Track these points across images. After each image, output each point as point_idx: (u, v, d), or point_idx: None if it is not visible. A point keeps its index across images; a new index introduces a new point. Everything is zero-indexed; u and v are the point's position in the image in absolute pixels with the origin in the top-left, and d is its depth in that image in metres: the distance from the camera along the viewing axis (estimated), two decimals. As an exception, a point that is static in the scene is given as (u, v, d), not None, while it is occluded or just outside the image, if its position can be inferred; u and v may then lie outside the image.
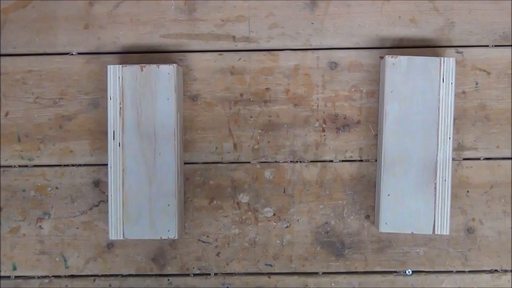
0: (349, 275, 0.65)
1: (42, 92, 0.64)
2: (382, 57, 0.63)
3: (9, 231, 0.65)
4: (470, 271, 0.64)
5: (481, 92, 0.63)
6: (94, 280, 0.65)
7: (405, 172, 0.59)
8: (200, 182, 0.64)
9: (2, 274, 0.65)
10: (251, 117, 0.64)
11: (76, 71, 0.64)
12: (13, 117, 0.64)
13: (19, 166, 0.65)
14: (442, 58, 0.59)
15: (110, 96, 0.59)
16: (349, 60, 0.64)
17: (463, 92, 0.63)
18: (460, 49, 0.63)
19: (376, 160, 0.64)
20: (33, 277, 0.65)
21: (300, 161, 0.64)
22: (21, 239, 0.65)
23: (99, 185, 0.65)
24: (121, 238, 0.59)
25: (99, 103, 0.64)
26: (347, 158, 0.64)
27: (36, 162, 0.65)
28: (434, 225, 0.59)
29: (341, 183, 0.64)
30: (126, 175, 0.59)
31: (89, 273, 0.65)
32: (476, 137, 0.64)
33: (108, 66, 0.59)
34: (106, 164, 0.61)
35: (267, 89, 0.64)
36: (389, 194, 0.59)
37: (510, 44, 0.63)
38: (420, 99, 0.59)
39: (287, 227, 0.65)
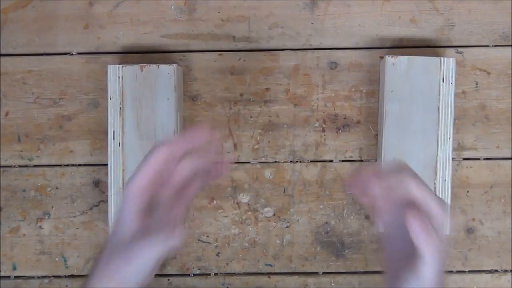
0: (349, 275, 0.65)
1: (42, 92, 0.64)
2: (382, 57, 0.63)
3: (9, 231, 0.65)
4: (470, 271, 0.65)
5: (481, 92, 0.64)
6: (94, 280, 0.65)
7: (405, 172, 0.59)
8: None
9: (2, 274, 0.65)
10: (251, 117, 0.64)
11: (76, 71, 0.64)
12: (13, 117, 0.64)
13: (19, 166, 0.65)
14: (442, 58, 0.59)
15: (110, 96, 0.59)
16: (349, 60, 0.64)
17: (463, 92, 0.63)
18: (460, 49, 0.63)
19: (376, 160, 0.64)
20: (33, 277, 0.65)
21: (300, 161, 0.64)
22: (21, 239, 0.65)
23: (99, 185, 0.65)
24: (121, 238, 0.59)
25: (99, 103, 0.64)
26: (347, 158, 0.64)
27: (36, 162, 0.65)
28: (434, 225, 0.59)
29: (341, 183, 0.64)
30: (126, 175, 0.59)
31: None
32: (476, 137, 0.64)
33: (108, 66, 0.59)
34: (106, 164, 0.61)
35: (267, 89, 0.64)
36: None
37: (510, 44, 0.63)
38: (420, 99, 0.59)
39: (287, 227, 0.65)
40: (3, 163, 0.65)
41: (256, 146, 0.64)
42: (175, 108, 0.59)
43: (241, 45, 0.64)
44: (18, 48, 0.64)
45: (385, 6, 0.64)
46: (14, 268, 0.65)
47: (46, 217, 0.65)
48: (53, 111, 0.64)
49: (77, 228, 0.65)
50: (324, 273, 0.65)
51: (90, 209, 0.65)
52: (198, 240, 0.65)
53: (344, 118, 0.64)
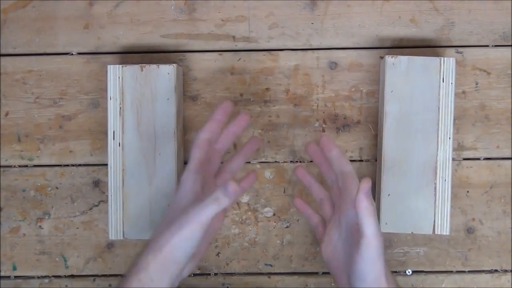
0: (349, 275, 0.65)
1: (42, 92, 0.64)
2: (382, 57, 0.63)
3: (9, 231, 0.65)
4: (470, 271, 0.65)
5: (481, 92, 0.63)
6: (94, 280, 0.65)
7: (405, 172, 0.59)
8: (200, 182, 0.64)
9: (2, 274, 0.65)
10: (251, 117, 0.64)
11: (76, 71, 0.64)
12: (13, 117, 0.64)
13: (19, 166, 0.65)
14: (442, 58, 0.59)
15: (110, 96, 0.59)
16: (349, 60, 0.64)
17: (463, 92, 0.63)
18: (460, 49, 0.63)
19: (376, 160, 0.64)
20: (33, 277, 0.65)
21: (300, 161, 0.64)
22: (21, 239, 0.65)
23: (99, 185, 0.65)
24: (121, 238, 0.59)
25: (99, 103, 0.64)
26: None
27: (36, 162, 0.65)
28: (434, 225, 0.59)
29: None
30: (126, 175, 0.59)
31: (89, 273, 0.65)
32: (476, 137, 0.64)
33: (108, 66, 0.59)
34: (106, 164, 0.61)
35: (267, 89, 0.64)
36: (389, 194, 0.59)
37: (510, 44, 0.63)
38: (420, 99, 0.59)
39: (287, 227, 0.65)
40: (3, 163, 0.65)
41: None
42: (175, 108, 0.59)
43: (241, 45, 0.64)
44: (18, 48, 0.64)
45: (385, 6, 0.64)
46: (14, 268, 0.65)
47: (46, 217, 0.65)
48: (53, 111, 0.64)
49: (77, 228, 0.65)
50: (324, 273, 0.65)
51: (90, 209, 0.65)
52: (198, 240, 0.65)
53: (344, 118, 0.64)
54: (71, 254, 0.65)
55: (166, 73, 0.59)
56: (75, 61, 0.64)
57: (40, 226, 0.65)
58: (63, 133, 0.64)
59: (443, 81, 0.59)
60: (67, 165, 0.65)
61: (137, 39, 0.64)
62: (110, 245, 0.65)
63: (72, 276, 0.65)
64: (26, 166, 0.65)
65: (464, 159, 0.64)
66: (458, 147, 0.64)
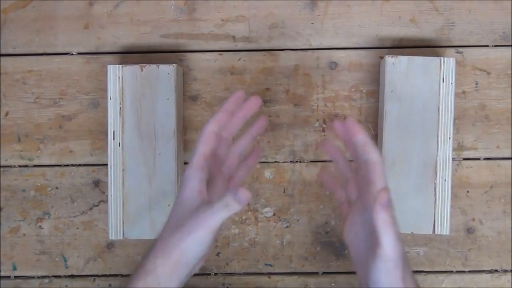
0: (349, 275, 0.65)
1: (42, 92, 0.64)
2: (382, 57, 0.63)
3: (9, 231, 0.65)
4: (470, 271, 0.65)
5: (481, 92, 0.64)
6: (94, 280, 0.65)
7: (405, 172, 0.59)
8: (200, 182, 0.64)
9: (2, 274, 0.65)
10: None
11: (76, 71, 0.64)
12: (13, 117, 0.64)
13: (19, 166, 0.65)
14: (442, 58, 0.59)
15: (110, 96, 0.59)
16: (349, 60, 0.64)
17: (463, 92, 0.63)
18: (460, 49, 0.63)
19: (376, 160, 0.64)
20: (33, 277, 0.65)
21: (300, 161, 0.64)
22: (21, 239, 0.65)
23: (99, 185, 0.65)
24: (121, 238, 0.59)
25: (99, 103, 0.64)
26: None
27: (36, 162, 0.65)
28: (434, 225, 0.59)
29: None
30: (126, 175, 0.59)
31: (89, 273, 0.65)
32: (476, 137, 0.64)
33: (108, 66, 0.59)
34: (106, 164, 0.61)
35: (267, 89, 0.64)
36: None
37: (510, 44, 0.63)
38: (420, 99, 0.59)
39: (287, 227, 0.65)
40: (3, 163, 0.65)
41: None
42: (175, 108, 0.59)
43: (241, 45, 0.64)
44: (18, 48, 0.64)
45: (385, 6, 0.64)
46: (14, 268, 0.65)
47: (46, 217, 0.65)
48: (53, 111, 0.64)
49: (77, 228, 0.65)
50: (324, 273, 0.65)
51: (90, 209, 0.65)
52: (198, 240, 0.65)
53: (344, 118, 0.64)
54: (71, 254, 0.65)
55: (166, 73, 0.59)
56: (75, 61, 0.64)
57: (40, 226, 0.65)
58: (63, 133, 0.64)
59: (443, 81, 0.59)
60: (67, 165, 0.65)
61: (137, 39, 0.64)
62: (110, 245, 0.65)
63: (72, 276, 0.65)
64: (26, 166, 0.65)
65: (464, 159, 0.64)
66: (458, 147, 0.64)
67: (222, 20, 0.64)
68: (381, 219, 0.44)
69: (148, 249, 0.48)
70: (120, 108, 0.59)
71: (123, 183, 0.59)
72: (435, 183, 0.59)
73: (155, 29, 0.64)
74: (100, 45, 0.64)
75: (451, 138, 0.59)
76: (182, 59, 0.64)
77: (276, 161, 0.64)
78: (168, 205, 0.59)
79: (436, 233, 0.59)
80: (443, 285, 0.64)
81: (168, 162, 0.59)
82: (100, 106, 0.64)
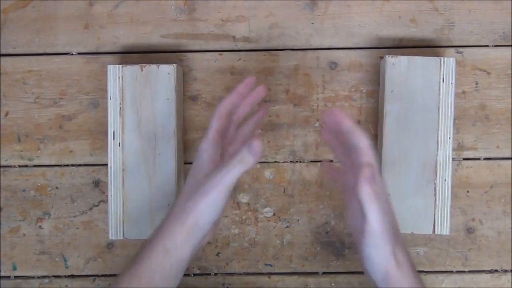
0: (349, 275, 0.65)
1: (42, 92, 0.64)
2: (382, 57, 0.63)
3: (9, 231, 0.65)
4: (470, 271, 0.65)
5: (481, 92, 0.64)
6: (94, 280, 0.65)
7: (405, 172, 0.59)
8: (200, 182, 0.64)
9: (2, 274, 0.65)
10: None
11: (76, 71, 0.64)
12: (13, 117, 0.64)
13: (19, 166, 0.65)
14: (442, 58, 0.59)
15: (110, 96, 0.59)
16: (349, 60, 0.64)
17: (463, 92, 0.63)
18: (460, 49, 0.63)
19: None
20: (33, 277, 0.65)
21: (300, 161, 0.64)
22: (21, 239, 0.65)
23: (99, 185, 0.65)
24: (121, 238, 0.59)
25: (99, 103, 0.64)
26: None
27: (36, 162, 0.65)
28: (434, 225, 0.59)
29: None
30: (126, 175, 0.59)
31: (89, 273, 0.65)
32: (476, 137, 0.64)
33: (108, 66, 0.59)
34: (106, 164, 0.61)
35: (267, 89, 0.64)
36: (389, 194, 0.59)
37: (510, 44, 0.63)
38: (420, 99, 0.59)
39: (287, 227, 0.65)
40: (3, 163, 0.65)
41: (256, 146, 0.64)
42: (175, 108, 0.59)
43: (241, 45, 0.64)
44: (18, 48, 0.64)
45: (385, 6, 0.64)
46: (14, 268, 0.65)
47: (46, 217, 0.65)
48: (53, 111, 0.64)
49: (77, 228, 0.65)
50: (324, 273, 0.65)
51: (90, 209, 0.65)
52: (198, 240, 0.65)
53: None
54: (71, 254, 0.65)
55: (166, 73, 0.59)
56: (75, 61, 0.64)
57: (40, 226, 0.65)
58: (63, 133, 0.64)
59: (443, 81, 0.59)
60: (67, 165, 0.65)
61: (137, 39, 0.64)
62: (110, 245, 0.65)
63: (72, 276, 0.65)
64: (26, 166, 0.65)
65: (464, 159, 0.64)
66: (458, 147, 0.64)
67: (222, 20, 0.64)
68: (365, 193, 0.45)
69: (164, 215, 0.50)
70: (120, 108, 0.59)
71: (123, 183, 0.59)
72: (435, 183, 0.59)
73: (155, 29, 0.64)
74: (100, 45, 0.64)
75: (451, 138, 0.59)
76: (182, 59, 0.64)
77: (276, 161, 0.64)
78: (168, 205, 0.59)
79: (436, 233, 0.59)
80: (443, 285, 0.64)
81: (168, 162, 0.59)
82: (100, 106, 0.64)
